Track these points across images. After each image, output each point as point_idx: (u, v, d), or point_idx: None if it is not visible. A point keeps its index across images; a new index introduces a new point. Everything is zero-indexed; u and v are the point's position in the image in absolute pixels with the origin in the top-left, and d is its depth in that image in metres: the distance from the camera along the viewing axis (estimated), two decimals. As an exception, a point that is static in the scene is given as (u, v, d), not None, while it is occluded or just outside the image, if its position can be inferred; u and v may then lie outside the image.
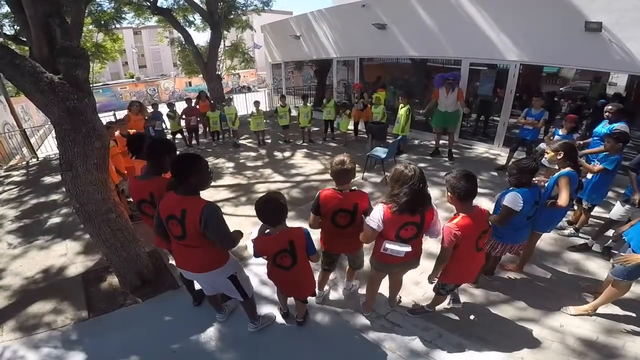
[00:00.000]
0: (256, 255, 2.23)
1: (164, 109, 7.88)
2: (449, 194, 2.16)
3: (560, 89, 6.62)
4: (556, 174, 2.75)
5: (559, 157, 2.75)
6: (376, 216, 2.08)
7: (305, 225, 2.42)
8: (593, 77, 6.03)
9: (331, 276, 3.06)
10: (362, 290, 2.99)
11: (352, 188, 2.36)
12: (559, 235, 3.73)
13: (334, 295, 3.04)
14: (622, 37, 4.82)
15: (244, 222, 4.33)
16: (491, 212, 2.59)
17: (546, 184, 2.83)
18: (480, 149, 7.14)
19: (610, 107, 3.87)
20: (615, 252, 2.68)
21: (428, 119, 7.20)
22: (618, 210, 3.25)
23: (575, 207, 3.89)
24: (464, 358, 2.36)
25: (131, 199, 3.13)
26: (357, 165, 2.62)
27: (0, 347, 2.66)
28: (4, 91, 10.44)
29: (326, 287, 3.03)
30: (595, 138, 3.96)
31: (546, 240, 3.59)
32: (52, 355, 2.57)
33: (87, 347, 2.63)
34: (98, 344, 2.65)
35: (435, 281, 2.47)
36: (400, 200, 1.99)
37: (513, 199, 2.42)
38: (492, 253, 2.81)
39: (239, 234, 2.20)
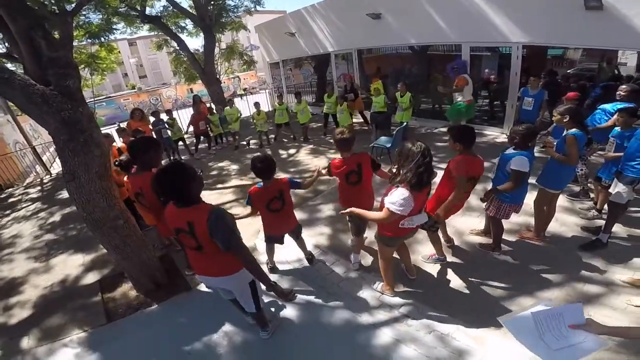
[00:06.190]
0: (249, 203, 2.76)
1: (164, 117, 7.92)
2: (453, 142, 2.66)
3: (568, 71, 6.41)
4: (564, 133, 2.99)
5: (565, 121, 2.99)
6: (404, 201, 2.05)
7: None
8: (601, 57, 5.77)
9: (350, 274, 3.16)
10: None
11: (353, 152, 2.76)
12: (581, 220, 3.59)
13: (342, 291, 2.98)
14: (627, 13, 4.56)
15: (252, 221, 4.30)
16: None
17: (555, 143, 3.09)
18: (491, 133, 6.92)
19: (624, 87, 3.69)
20: None
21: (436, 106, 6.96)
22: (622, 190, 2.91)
23: (591, 185, 3.78)
24: (482, 353, 2.23)
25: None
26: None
27: (28, 354, 2.75)
28: (9, 110, 10.66)
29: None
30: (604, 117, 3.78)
31: (570, 227, 3.49)
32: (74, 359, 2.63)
33: (105, 351, 2.69)
34: (116, 348, 2.71)
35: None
36: (409, 178, 2.08)
37: (521, 162, 2.62)
38: (498, 215, 2.94)
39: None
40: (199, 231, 1.81)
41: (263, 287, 2.11)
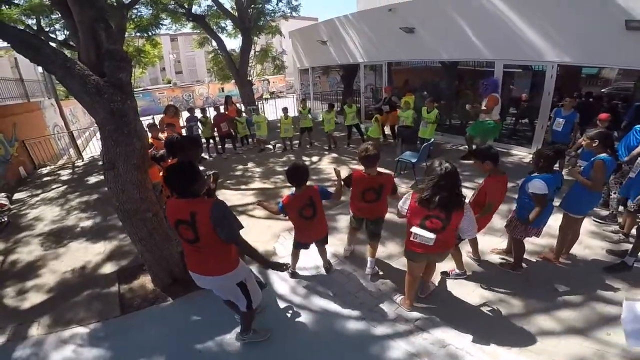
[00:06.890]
0: (282, 211, 2.81)
1: (198, 114, 8.18)
2: (481, 162, 2.75)
3: (602, 90, 6.22)
4: (592, 158, 2.95)
5: (594, 145, 2.95)
6: (405, 202, 2.43)
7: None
8: (639, 77, 5.56)
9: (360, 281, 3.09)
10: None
11: (378, 172, 2.86)
12: (607, 243, 3.53)
13: (358, 301, 2.95)
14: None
15: (272, 224, 4.34)
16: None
17: (582, 168, 3.07)
18: (519, 153, 6.78)
19: None
20: None
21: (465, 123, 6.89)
22: None
23: (621, 209, 3.72)
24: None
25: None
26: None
27: (35, 341, 2.76)
28: (54, 94, 11.33)
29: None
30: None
31: (594, 250, 3.42)
32: (83, 350, 2.65)
33: (117, 343, 2.69)
34: (128, 341, 2.71)
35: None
36: (423, 193, 2.24)
37: (538, 186, 2.66)
38: (520, 237, 2.98)
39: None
40: (200, 221, 1.92)
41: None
